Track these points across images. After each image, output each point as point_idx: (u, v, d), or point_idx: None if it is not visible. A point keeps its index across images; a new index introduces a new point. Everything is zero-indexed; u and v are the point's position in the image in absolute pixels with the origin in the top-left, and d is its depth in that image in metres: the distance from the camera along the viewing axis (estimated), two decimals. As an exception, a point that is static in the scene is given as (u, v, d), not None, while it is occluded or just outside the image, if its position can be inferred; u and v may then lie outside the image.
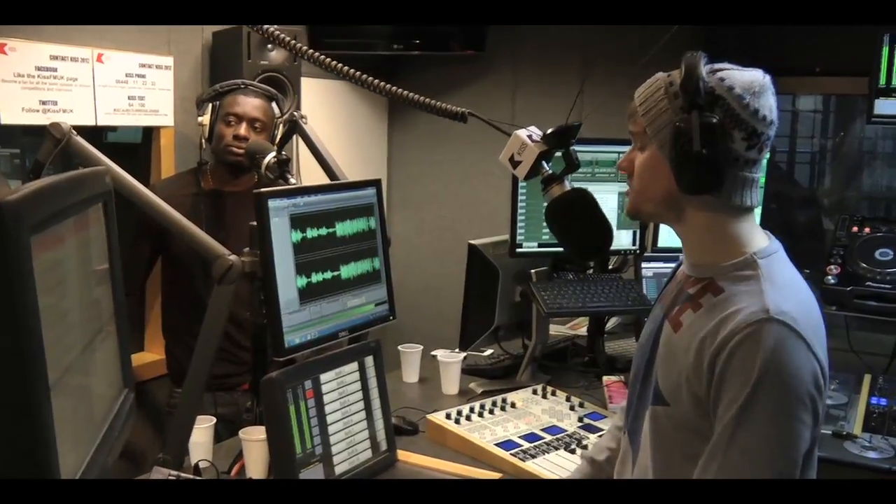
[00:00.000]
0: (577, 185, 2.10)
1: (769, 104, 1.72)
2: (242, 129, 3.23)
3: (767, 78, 1.74)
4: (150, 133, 3.88)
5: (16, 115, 3.23)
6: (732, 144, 1.69)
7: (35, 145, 4.53)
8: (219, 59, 3.99)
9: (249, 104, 3.29)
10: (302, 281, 2.34)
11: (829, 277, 3.44)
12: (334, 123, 4.74)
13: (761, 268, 1.70)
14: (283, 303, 2.28)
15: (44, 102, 3.31)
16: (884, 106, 3.74)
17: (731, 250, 1.75)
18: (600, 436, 2.47)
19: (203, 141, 3.36)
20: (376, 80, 2.26)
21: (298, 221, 2.34)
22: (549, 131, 2.11)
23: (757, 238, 1.77)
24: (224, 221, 3.21)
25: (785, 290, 1.68)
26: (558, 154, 2.13)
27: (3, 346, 0.98)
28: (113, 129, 3.90)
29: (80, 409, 1.24)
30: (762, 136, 1.70)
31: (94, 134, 3.55)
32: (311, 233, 2.39)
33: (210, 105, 3.31)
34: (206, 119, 3.31)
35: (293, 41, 2.42)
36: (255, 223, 2.32)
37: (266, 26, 2.43)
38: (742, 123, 1.69)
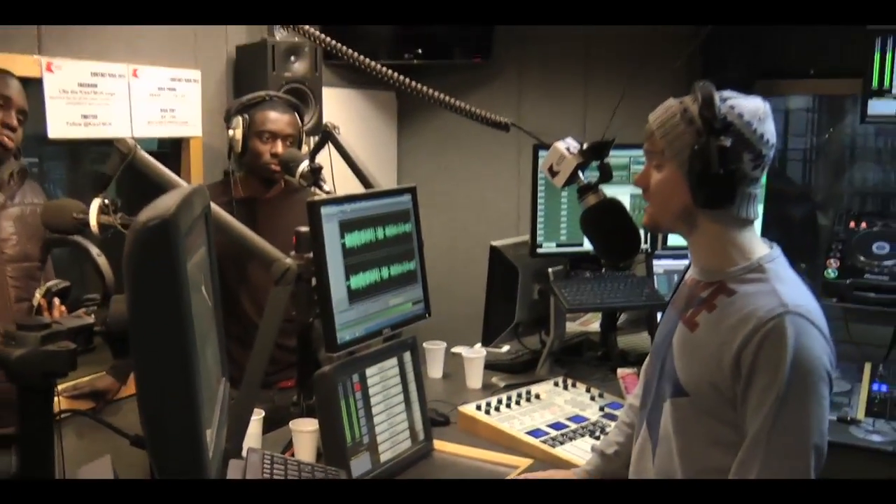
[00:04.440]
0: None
1: (771, 129, 1.92)
2: (279, 147, 3.38)
3: (767, 105, 1.94)
4: (178, 143, 4.06)
5: (61, 129, 3.42)
6: (742, 165, 1.88)
7: (53, 154, 4.70)
8: (243, 72, 4.19)
9: (282, 121, 3.43)
10: (351, 281, 2.52)
11: (829, 271, 3.62)
12: (349, 128, 4.89)
13: (769, 271, 1.90)
14: (335, 302, 2.45)
15: (85, 116, 3.50)
16: (877, 106, 3.94)
17: (739, 257, 1.95)
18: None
19: (232, 152, 3.50)
20: (425, 87, 2.48)
21: (346, 226, 2.52)
22: (587, 146, 2.30)
23: (759, 246, 1.97)
24: (257, 228, 3.37)
25: (794, 287, 1.89)
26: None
27: (171, 336, 1.15)
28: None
29: (207, 394, 1.42)
30: (765, 158, 1.91)
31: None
32: (358, 237, 2.56)
33: (240, 118, 3.43)
34: (237, 133, 3.42)
35: (354, 53, 2.64)
36: (304, 228, 2.50)
37: (307, 27, 2.63)
38: (750, 147, 1.88)
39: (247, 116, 3.44)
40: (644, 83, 4.53)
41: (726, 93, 1.94)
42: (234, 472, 1.80)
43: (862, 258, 3.72)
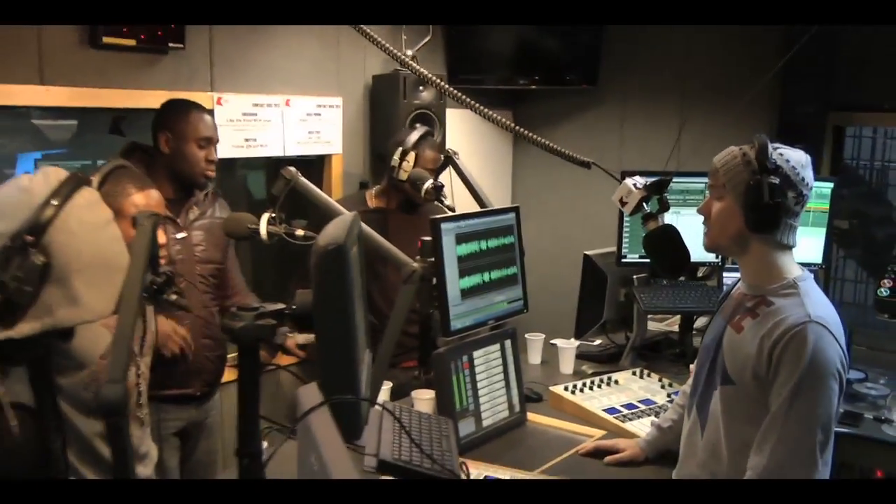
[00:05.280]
0: (673, 208, 2.97)
1: (810, 175, 2.44)
2: (410, 171, 3.99)
3: (808, 156, 2.46)
4: (321, 158, 4.75)
5: (228, 151, 4.13)
6: (786, 200, 2.40)
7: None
8: (378, 98, 4.87)
9: (438, 159, 4.13)
10: (463, 282, 3.17)
11: (882, 290, 4.04)
12: (470, 145, 5.51)
13: (800, 288, 2.42)
14: (450, 297, 3.11)
15: (247, 140, 4.21)
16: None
17: (778, 275, 2.46)
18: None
19: (395, 175, 4.05)
20: (521, 129, 3.10)
21: (461, 238, 3.17)
22: (649, 182, 2.91)
23: (795, 268, 2.49)
24: (388, 235, 3.87)
25: (817, 303, 2.39)
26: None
27: (341, 318, 1.81)
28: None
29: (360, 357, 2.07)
30: (805, 197, 2.43)
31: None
32: (470, 247, 3.21)
33: (414, 154, 4.02)
34: (409, 165, 4.00)
35: (441, 82, 3.31)
36: (427, 238, 3.16)
37: (419, 68, 3.28)
38: (794, 187, 2.40)
39: (418, 152, 4.06)
40: (730, 113, 5.07)
41: (777, 144, 2.46)
42: (373, 416, 2.46)
43: (913, 279, 4.10)
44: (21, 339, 1.79)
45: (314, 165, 4.76)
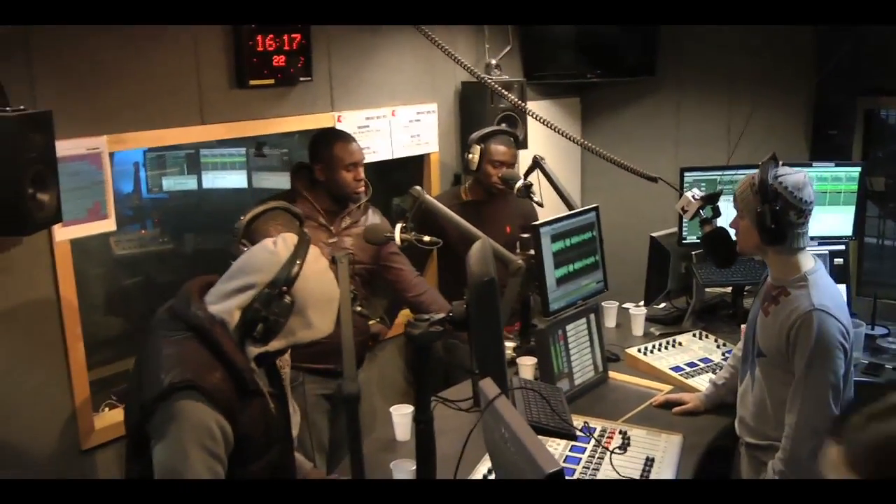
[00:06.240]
0: (726, 197, 3.68)
1: (809, 192, 3.00)
2: (503, 171, 4.73)
3: (808, 176, 3.04)
4: (420, 157, 5.50)
5: (348, 159, 4.88)
6: (789, 218, 3.00)
7: (293, 144, 6.18)
8: (467, 102, 5.60)
9: (510, 154, 4.76)
10: (558, 272, 3.95)
11: None
12: (548, 137, 6.09)
13: (809, 280, 3.05)
14: (548, 285, 3.89)
15: (363, 148, 4.95)
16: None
17: (794, 271, 3.09)
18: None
19: (467, 165, 4.82)
20: (591, 145, 3.86)
21: (555, 237, 3.95)
22: (704, 195, 3.66)
23: (808, 262, 3.10)
24: (483, 222, 4.48)
25: (823, 292, 3.02)
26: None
27: (492, 317, 2.62)
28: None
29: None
30: (805, 212, 3.02)
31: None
32: (562, 244, 3.99)
33: (479, 147, 4.74)
34: (475, 157, 4.73)
35: (514, 98, 4.33)
36: (525, 234, 3.97)
37: (494, 83, 4.11)
38: (794, 207, 2.99)
39: (483, 146, 4.75)
40: (773, 102, 5.71)
41: (782, 170, 3.02)
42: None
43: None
44: (272, 352, 2.60)
45: (416, 163, 5.51)
